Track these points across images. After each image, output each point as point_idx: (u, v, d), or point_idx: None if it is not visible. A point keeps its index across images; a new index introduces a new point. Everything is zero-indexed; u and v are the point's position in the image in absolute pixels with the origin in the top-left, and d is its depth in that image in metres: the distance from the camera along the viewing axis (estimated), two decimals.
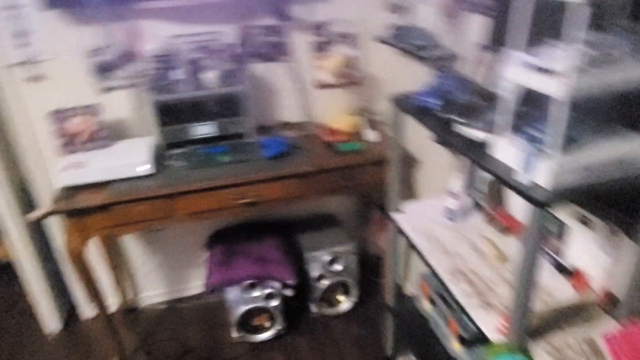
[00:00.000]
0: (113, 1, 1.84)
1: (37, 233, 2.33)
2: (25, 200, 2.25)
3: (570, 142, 0.96)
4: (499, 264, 1.42)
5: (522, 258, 0.98)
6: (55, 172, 1.80)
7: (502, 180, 1.00)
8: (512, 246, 1.47)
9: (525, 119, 1.18)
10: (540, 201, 0.89)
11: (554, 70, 0.89)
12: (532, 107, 1.22)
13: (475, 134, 1.15)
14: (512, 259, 1.43)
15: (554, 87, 0.89)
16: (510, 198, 1.53)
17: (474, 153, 1.11)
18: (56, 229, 2.28)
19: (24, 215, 2.23)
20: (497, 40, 1.45)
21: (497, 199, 1.56)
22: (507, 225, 1.50)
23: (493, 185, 1.56)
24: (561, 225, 1.31)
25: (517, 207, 1.50)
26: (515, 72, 1.05)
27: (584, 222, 1.24)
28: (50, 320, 2.45)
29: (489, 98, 1.33)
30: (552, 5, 1.03)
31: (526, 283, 1.01)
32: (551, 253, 1.37)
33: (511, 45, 1.38)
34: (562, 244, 1.32)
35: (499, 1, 1.42)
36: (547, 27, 1.03)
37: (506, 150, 1.05)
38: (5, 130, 2.04)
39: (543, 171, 0.93)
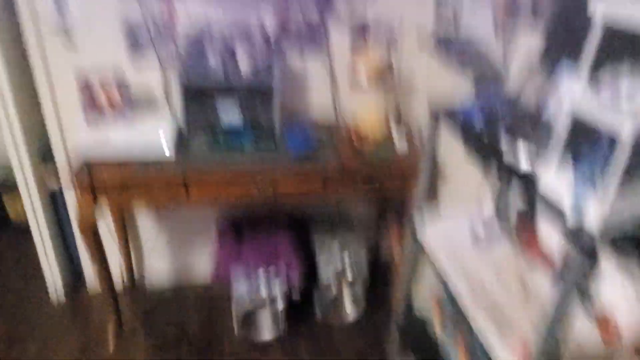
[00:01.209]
0: None
1: (54, 200, 2.33)
2: (46, 165, 2.24)
3: (625, 185, 0.87)
4: (524, 299, 1.34)
5: (554, 303, 0.90)
6: (78, 143, 1.77)
7: (549, 217, 0.91)
8: (540, 281, 1.39)
9: (577, 151, 1.10)
10: (587, 249, 0.81)
11: (621, 106, 0.81)
12: (584, 139, 1.14)
13: (519, 160, 1.06)
14: (539, 295, 1.34)
15: (618, 125, 0.81)
16: (543, 229, 1.44)
17: (517, 181, 1.03)
18: (72, 199, 2.26)
19: (42, 182, 2.23)
20: (553, 61, 1.35)
21: (528, 228, 1.47)
22: (537, 258, 1.42)
23: (526, 213, 1.47)
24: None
25: (551, 239, 1.41)
26: (572, 101, 0.97)
27: (623, 266, 1.15)
28: (55, 286, 2.45)
29: (537, 123, 1.25)
30: (622, 35, 0.94)
31: (554, 329, 0.93)
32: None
33: (569, 69, 1.28)
34: (593, 285, 1.24)
35: (557, 20, 1.33)
36: (615, 57, 0.94)
37: (553, 183, 0.97)
38: (34, 95, 2.03)
39: (593, 214, 0.85)
